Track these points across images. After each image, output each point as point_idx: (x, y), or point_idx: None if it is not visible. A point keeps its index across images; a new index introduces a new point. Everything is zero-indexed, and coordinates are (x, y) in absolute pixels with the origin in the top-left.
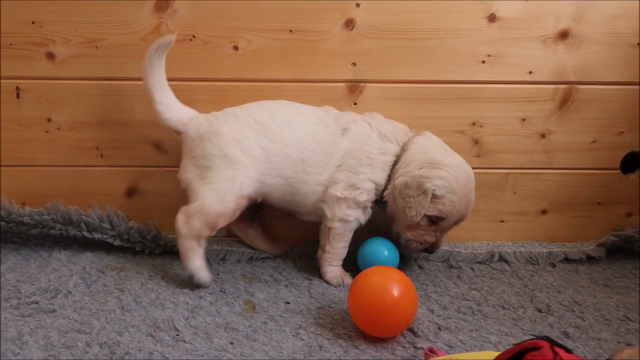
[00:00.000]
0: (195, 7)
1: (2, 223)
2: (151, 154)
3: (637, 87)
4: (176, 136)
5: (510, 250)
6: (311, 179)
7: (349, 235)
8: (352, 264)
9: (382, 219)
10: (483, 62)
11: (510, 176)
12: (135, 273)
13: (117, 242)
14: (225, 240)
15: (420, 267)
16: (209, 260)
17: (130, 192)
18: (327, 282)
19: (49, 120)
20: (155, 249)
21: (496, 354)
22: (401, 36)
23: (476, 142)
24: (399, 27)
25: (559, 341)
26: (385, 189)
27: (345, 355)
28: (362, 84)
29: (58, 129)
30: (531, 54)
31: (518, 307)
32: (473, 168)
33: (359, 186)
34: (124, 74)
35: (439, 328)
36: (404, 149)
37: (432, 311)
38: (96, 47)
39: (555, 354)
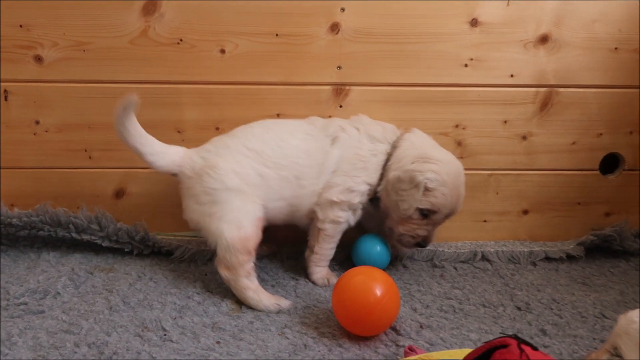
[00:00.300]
0: (183, 11)
1: None
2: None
3: (616, 90)
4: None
5: (492, 250)
6: (306, 191)
7: (338, 237)
8: (339, 264)
9: (372, 220)
10: (466, 65)
11: (492, 177)
12: (123, 274)
13: (105, 243)
14: None
15: (404, 266)
16: (197, 261)
17: (119, 194)
18: (314, 283)
19: (37, 122)
20: (144, 249)
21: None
22: (386, 40)
23: (459, 143)
24: (384, 31)
25: (537, 338)
26: (378, 186)
27: (330, 354)
28: (347, 87)
29: (46, 131)
30: (512, 58)
31: (498, 305)
32: None
33: (355, 189)
34: (112, 77)
35: (421, 326)
36: (394, 146)
37: (414, 310)
38: (84, 50)
39: (522, 351)
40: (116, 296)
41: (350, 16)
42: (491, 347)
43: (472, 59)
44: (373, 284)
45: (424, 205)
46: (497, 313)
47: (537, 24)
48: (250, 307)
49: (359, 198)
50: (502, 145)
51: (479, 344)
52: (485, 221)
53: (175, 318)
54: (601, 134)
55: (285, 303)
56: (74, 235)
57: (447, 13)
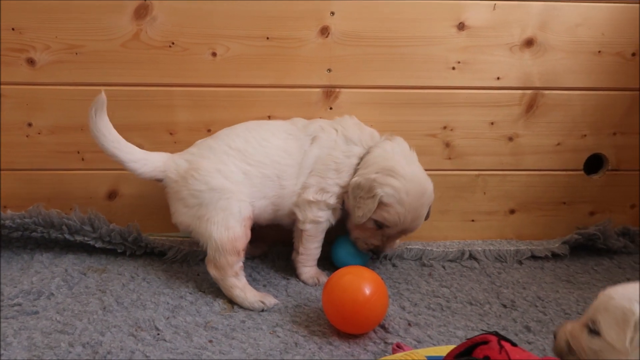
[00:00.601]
0: (174, 14)
1: None
2: None
3: (599, 92)
4: (157, 140)
5: (480, 249)
6: (287, 191)
7: (321, 236)
8: (330, 263)
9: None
10: (453, 68)
11: (480, 177)
12: (116, 274)
13: (98, 244)
14: None
15: (394, 265)
16: (189, 261)
17: (111, 195)
18: (304, 282)
19: (30, 125)
20: (137, 250)
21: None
22: (375, 43)
23: (447, 145)
24: (373, 35)
25: (521, 335)
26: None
27: (320, 352)
28: (337, 90)
29: (39, 133)
30: (499, 61)
31: (485, 303)
32: (444, 170)
33: (328, 190)
34: (104, 79)
35: (409, 324)
36: (368, 151)
37: (403, 308)
38: (76, 54)
39: (502, 347)
40: (109, 296)
41: (340, 20)
42: (473, 344)
43: (459, 62)
44: (362, 283)
45: (377, 217)
46: (484, 310)
47: (522, 28)
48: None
49: (334, 199)
50: (489, 146)
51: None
52: (473, 221)
53: (168, 318)
54: (585, 135)
55: (270, 301)
56: (67, 236)
57: (435, 17)
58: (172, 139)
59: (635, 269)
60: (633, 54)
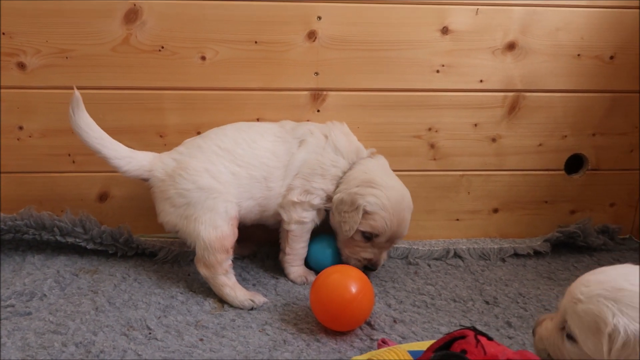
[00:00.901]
0: (164, 19)
1: None
2: None
3: (579, 94)
4: (147, 142)
5: (464, 247)
6: (274, 193)
7: (307, 236)
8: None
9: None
10: (437, 71)
11: (464, 177)
12: (108, 275)
13: (90, 246)
14: None
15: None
16: (180, 261)
17: (102, 197)
18: (292, 281)
19: (21, 128)
20: (128, 251)
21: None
22: (361, 47)
23: (432, 146)
24: (359, 39)
25: (502, 330)
26: (334, 194)
27: (308, 348)
28: (324, 92)
29: (30, 136)
30: (482, 64)
31: (468, 300)
32: (430, 171)
33: (312, 192)
34: (94, 83)
35: (395, 321)
36: (351, 167)
37: (389, 305)
38: (67, 58)
39: (478, 341)
40: (101, 297)
41: (327, 24)
42: (451, 338)
43: (443, 65)
44: (348, 281)
45: (364, 227)
46: (467, 307)
47: (504, 32)
48: (230, 304)
49: (318, 200)
50: (472, 147)
51: None
52: (457, 220)
53: (159, 317)
54: (566, 136)
55: (260, 299)
56: (59, 238)
57: (419, 21)
58: (163, 141)
59: None
60: (611, 57)
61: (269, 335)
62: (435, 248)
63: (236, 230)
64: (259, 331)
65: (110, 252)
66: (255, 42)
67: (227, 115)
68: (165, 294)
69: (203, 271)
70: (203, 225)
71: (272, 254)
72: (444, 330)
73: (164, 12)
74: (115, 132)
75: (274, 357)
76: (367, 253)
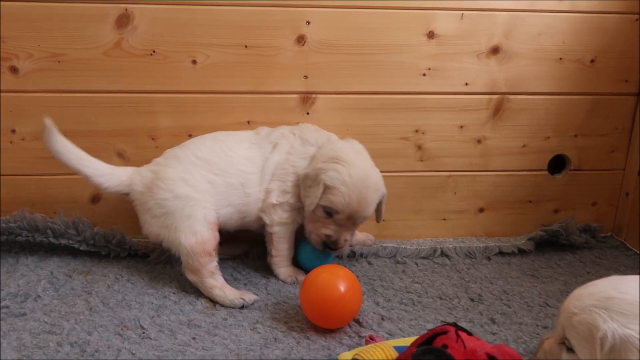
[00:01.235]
0: (155, 23)
1: None
2: (115, 161)
3: (561, 96)
4: (139, 145)
5: (451, 246)
6: (252, 199)
7: (291, 237)
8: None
9: None
10: (424, 75)
11: (450, 178)
12: (101, 276)
13: (83, 247)
14: None
15: (369, 263)
16: (172, 262)
17: (95, 199)
18: (283, 281)
19: (14, 131)
20: (121, 252)
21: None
22: (349, 51)
23: (419, 147)
24: (347, 43)
25: (486, 326)
26: None
27: (298, 346)
28: (313, 96)
29: (22, 139)
30: (467, 68)
31: (454, 297)
32: (417, 172)
33: (289, 191)
34: (86, 86)
35: (382, 318)
36: (320, 148)
37: (377, 303)
38: (59, 62)
39: (458, 336)
40: (95, 297)
41: (316, 29)
42: (434, 334)
43: (429, 69)
44: (337, 281)
45: (324, 202)
46: (452, 304)
47: (488, 36)
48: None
49: (295, 198)
50: (458, 149)
51: None
52: (444, 219)
53: (152, 317)
54: (549, 137)
55: (250, 297)
56: (52, 240)
57: (405, 26)
58: (154, 144)
59: (596, 263)
60: (592, 61)
61: (260, 333)
62: (423, 247)
63: (216, 234)
64: (251, 329)
65: (103, 253)
66: (246, 47)
67: (218, 118)
68: (158, 294)
69: (190, 277)
70: (183, 233)
71: (263, 254)
72: (430, 327)
73: (155, 17)
74: (108, 135)
75: (265, 354)
76: (327, 229)
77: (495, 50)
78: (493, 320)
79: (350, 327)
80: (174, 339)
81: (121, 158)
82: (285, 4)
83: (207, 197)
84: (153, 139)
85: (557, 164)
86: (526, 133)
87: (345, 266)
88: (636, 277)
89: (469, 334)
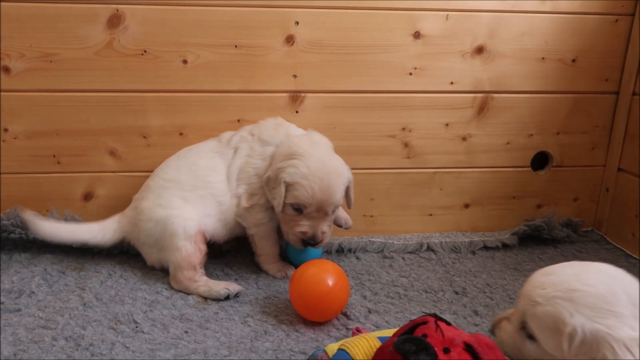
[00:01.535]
0: (146, 24)
1: None
2: (106, 160)
3: (544, 95)
4: (130, 144)
5: (437, 241)
6: (226, 207)
7: (273, 234)
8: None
9: None
10: (410, 74)
11: (436, 175)
12: (94, 272)
13: (75, 244)
14: None
15: (357, 258)
16: None
17: (87, 197)
18: (273, 276)
19: (6, 130)
20: (113, 249)
21: None
22: (337, 51)
23: (406, 145)
24: (335, 43)
25: (470, 318)
26: None
27: (287, 338)
28: (302, 94)
29: (15, 138)
30: (452, 67)
31: (439, 291)
32: (404, 168)
33: (256, 192)
34: (78, 86)
35: (369, 311)
36: (278, 147)
37: (364, 297)
38: (50, 61)
39: (437, 326)
40: (89, 293)
41: (304, 29)
42: (414, 324)
43: (415, 68)
44: (325, 275)
45: (290, 200)
46: (437, 297)
47: (473, 37)
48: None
49: (263, 199)
50: (444, 146)
51: None
52: (431, 215)
53: (145, 311)
54: (532, 135)
55: (234, 287)
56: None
57: (392, 26)
58: (146, 142)
59: (577, 257)
60: (573, 60)
61: (250, 326)
62: (410, 242)
63: (202, 246)
64: (241, 323)
65: (95, 250)
66: (235, 46)
67: (209, 117)
68: (151, 289)
69: (175, 286)
70: (170, 251)
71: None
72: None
73: (146, 17)
74: (99, 134)
75: (255, 347)
76: (301, 226)
77: (479, 50)
78: (476, 312)
79: (338, 319)
80: (167, 333)
81: (113, 156)
82: (274, 5)
83: (184, 210)
84: (144, 137)
85: (540, 160)
86: (510, 131)
87: (333, 261)
88: (596, 265)
89: (448, 323)
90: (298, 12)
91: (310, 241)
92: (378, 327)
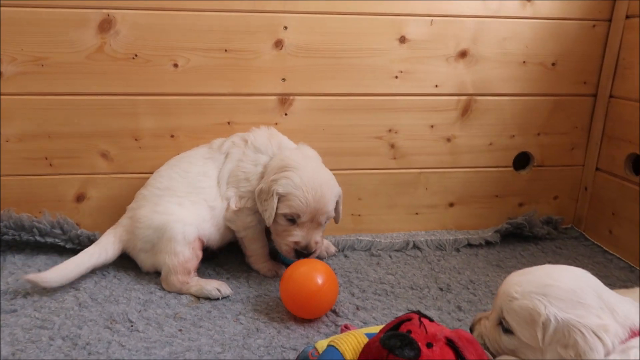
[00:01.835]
0: (137, 28)
1: None
2: (98, 162)
3: (525, 97)
4: (122, 146)
5: (423, 239)
6: (218, 211)
7: (261, 236)
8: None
9: None
10: (396, 77)
11: (422, 175)
12: (88, 273)
13: (69, 245)
14: None
15: (345, 256)
16: None
17: (79, 198)
18: (264, 275)
19: None
20: None
21: None
22: (325, 55)
23: (392, 146)
24: (323, 47)
25: (453, 313)
26: None
27: (279, 335)
28: (291, 97)
29: (7, 141)
30: (436, 71)
31: (424, 287)
32: (390, 169)
33: (245, 196)
34: (70, 89)
35: (357, 308)
36: (271, 159)
37: (352, 294)
38: (42, 65)
39: (421, 322)
40: (84, 293)
41: (293, 34)
42: (399, 321)
43: (401, 72)
44: (314, 274)
45: (283, 210)
46: (423, 294)
47: (457, 41)
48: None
49: (251, 202)
50: (429, 147)
51: None
52: (417, 214)
53: (140, 311)
54: (514, 136)
55: (225, 290)
56: (38, 238)
57: (378, 31)
58: (137, 144)
59: (557, 253)
60: (553, 64)
61: (242, 324)
62: (396, 240)
63: (199, 253)
64: (234, 321)
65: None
66: (225, 50)
67: (199, 119)
68: (144, 289)
69: (167, 288)
70: (167, 255)
71: None
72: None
73: (136, 22)
74: (92, 137)
75: (248, 343)
76: (294, 236)
77: (463, 54)
78: (460, 308)
79: (327, 316)
80: (161, 331)
81: (105, 158)
82: (263, 10)
83: (182, 218)
84: (136, 139)
85: (522, 160)
86: (492, 132)
87: (322, 260)
88: (565, 266)
89: (431, 320)
90: (286, 17)
91: (303, 251)
92: (366, 323)
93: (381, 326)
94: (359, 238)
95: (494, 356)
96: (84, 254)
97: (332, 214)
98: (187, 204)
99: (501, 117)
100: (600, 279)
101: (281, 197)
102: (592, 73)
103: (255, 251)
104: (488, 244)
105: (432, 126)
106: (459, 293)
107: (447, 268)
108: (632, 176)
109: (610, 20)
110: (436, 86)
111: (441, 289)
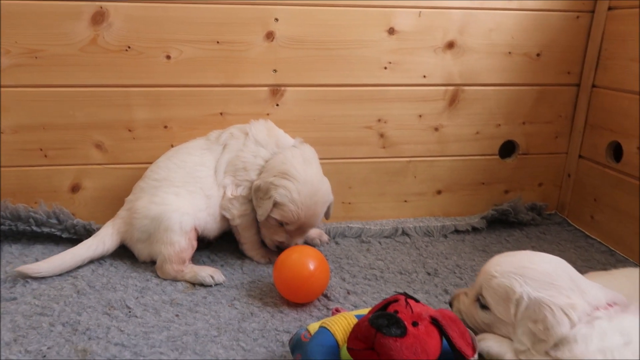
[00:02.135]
0: (130, 20)
1: None
2: (93, 153)
3: (510, 87)
4: (116, 137)
5: (411, 226)
6: (214, 201)
7: (255, 224)
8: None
9: None
10: (385, 68)
11: (410, 163)
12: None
13: (65, 235)
14: None
15: (336, 243)
16: None
17: (75, 188)
18: (258, 262)
19: None
20: None
21: None
22: (316, 46)
23: (382, 135)
24: (314, 39)
25: (440, 297)
26: None
27: (272, 319)
28: (282, 88)
29: (2, 133)
30: (425, 61)
31: (412, 272)
32: (380, 158)
33: (240, 184)
34: (64, 81)
35: (348, 292)
36: (272, 156)
37: (343, 279)
38: (36, 57)
39: (407, 303)
40: (81, 281)
41: (284, 25)
42: (387, 302)
43: (390, 63)
44: (306, 260)
45: (275, 215)
46: (411, 278)
47: (444, 32)
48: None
49: (246, 191)
50: (418, 136)
51: None
52: (405, 201)
53: (137, 297)
54: (499, 125)
55: (218, 277)
56: (35, 228)
57: (368, 23)
58: (131, 135)
59: (541, 238)
60: (538, 55)
61: (237, 309)
62: (386, 227)
63: (194, 243)
64: (229, 306)
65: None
66: (217, 42)
67: (192, 110)
68: (141, 277)
69: (161, 276)
70: (163, 245)
71: None
72: None
73: (129, 14)
74: (86, 128)
75: (243, 327)
76: (279, 236)
77: (450, 45)
78: (446, 291)
79: (319, 301)
80: (159, 317)
81: (99, 149)
82: (255, 2)
83: (179, 207)
84: (130, 130)
85: (507, 149)
86: (479, 121)
87: (314, 246)
88: (546, 254)
89: (417, 301)
90: (277, 9)
91: (282, 246)
92: (356, 306)
93: (370, 308)
94: (350, 225)
95: (472, 330)
96: (81, 246)
97: (319, 223)
98: (184, 193)
99: (487, 107)
100: (581, 263)
101: (277, 203)
102: (576, 63)
103: (248, 239)
104: (474, 230)
105: (420, 116)
106: (446, 277)
107: (434, 253)
108: (613, 163)
109: (593, 12)
110: (424, 77)
111: (429, 274)
